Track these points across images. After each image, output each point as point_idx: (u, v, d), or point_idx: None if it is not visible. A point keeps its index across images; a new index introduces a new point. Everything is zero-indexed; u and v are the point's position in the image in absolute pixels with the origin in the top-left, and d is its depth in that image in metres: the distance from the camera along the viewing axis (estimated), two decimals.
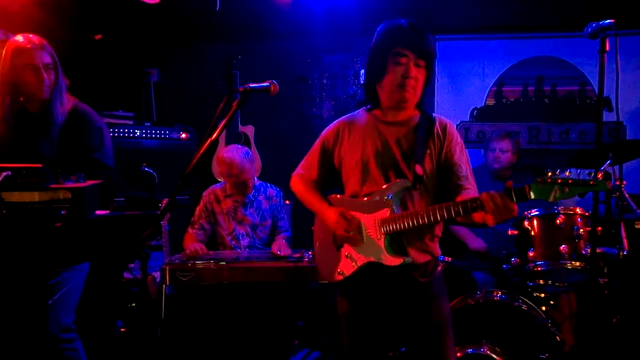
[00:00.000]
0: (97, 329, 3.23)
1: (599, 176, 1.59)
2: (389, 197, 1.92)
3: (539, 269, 2.86)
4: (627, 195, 2.93)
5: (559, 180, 1.62)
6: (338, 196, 2.10)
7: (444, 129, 2.02)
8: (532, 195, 1.65)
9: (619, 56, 2.20)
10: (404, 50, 1.90)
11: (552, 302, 3.08)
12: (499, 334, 2.74)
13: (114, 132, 3.97)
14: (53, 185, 2.09)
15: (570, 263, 2.78)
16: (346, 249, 2.02)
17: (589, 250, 2.72)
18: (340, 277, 2.03)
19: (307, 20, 4.34)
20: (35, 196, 2.07)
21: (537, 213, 2.91)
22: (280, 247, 3.23)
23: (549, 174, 1.64)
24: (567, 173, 1.63)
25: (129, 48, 4.65)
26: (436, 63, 4.40)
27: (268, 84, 1.94)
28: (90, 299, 2.63)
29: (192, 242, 3.29)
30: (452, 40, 4.53)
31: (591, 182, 1.60)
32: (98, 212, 2.28)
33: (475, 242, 3.53)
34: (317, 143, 2.17)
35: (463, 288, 3.14)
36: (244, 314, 3.03)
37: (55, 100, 2.42)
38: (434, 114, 2.06)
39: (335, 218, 1.99)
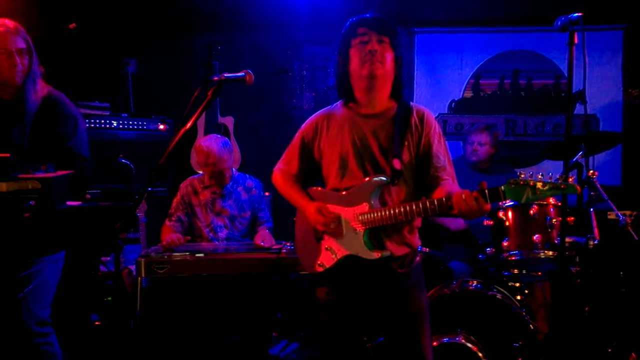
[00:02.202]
0: (72, 323, 3.19)
1: (570, 180, 1.64)
2: (368, 192, 1.94)
3: (513, 258, 2.90)
4: (598, 186, 2.99)
5: (531, 183, 1.67)
6: (319, 189, 2.11)
7: (422, 118, 2.03)
8: (505, 197, 1.69)
9: (590, 50, 2.24)
10: (364, 29, 1.95)
11: (526, 291, 3.12)
12: (475, 323, 2.78)
13: (90, 122, 3.91)
14: (21, 175, 2.06)
15: (543, 252, 2.83)
16: (326, 242, 2.04)
17: None
18: (320, 269, 2.05)
19: (287, 12, 4.33)
20: (2, 186, 2.04)
21: (511, 203, 2.95)
22: (264, 238, 3.22)
23: (522, 175, 1.69)
24: (539, 176, 1.68)
25: (106, 38, 4.57)
26: (415, 56, 4.54)
27: (243, 73, 1.93)
28: (64, 292, 2.60)
29: (169, 234, 3.25)
30: (430, 33, 4.57)
31: (562, 186, 1.65)
32: (70, 202, 2.25)
33: (456, 223, 3.57)
34: (297, 137, 2.17)
35: (440, 278, 3.17)
36: (222, 306, 3.02)
37: (28, 87, 2.37)
38: (411, 103, 2.07)
39: (314, 213, 2.00)
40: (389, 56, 1.95)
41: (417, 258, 2.08)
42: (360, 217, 1.94)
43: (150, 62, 4.73)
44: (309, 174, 2.18)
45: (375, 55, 1.92)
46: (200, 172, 3.57)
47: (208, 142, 3.32)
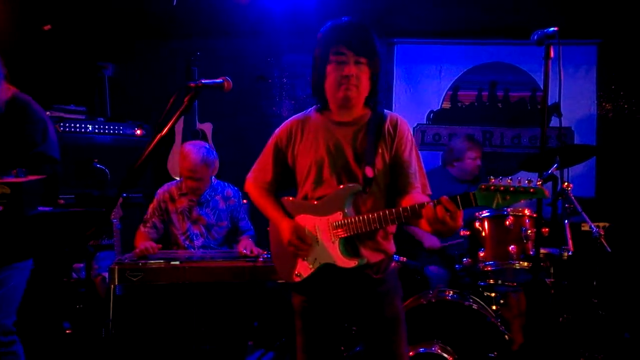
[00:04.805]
0: (43, 330, 3.12)
1: (538, 184, 1.65)
2: (341, 201, 1.93)
3: (489, 268, 2.93)
4: (573, 198, 3.03)
5: (501, 188, 1.66)
6: (291, 199, 2.09)
7: (395, 126, 2.03)
8: (477, 202, 1.69)
9: (565, 64, 2.28)
10: (342, 49, 1.90)
11: (502, 302, 3.16)
12: (450, 333, 2.79)
13: (65, 126, 3.83)
14: None
15: (519, 263, 2.87)
16: None
17: None
18: (297, 279, 2.03)
19: (267, 20, 4.33)
20: None
21: (487, 214, 2.98)
22: (246, 246, 3.17)
23: (492, 180, 1.68)
24: (509, 181, 1.67)
25: (83, 40, 4.51)
26: (394, 66, 4.58)
27: (221, 80, 1.91)
28: (35, 299, 2.54)
29: (144, 241, 3.20)
30: (410, 43, 4.61)
31: (531, 190, 1.65)
32: (41, 208, 2.20)
33: (430, 240, 3.59)
34: (270, 143, 2.14)
35: (417, 287, 3.18)
36: (197, 315, 2.97)
37: None
38: (385, 111, 2.07)
39: (288, 235, 1.98)
40: (365, 77, 1.94)
41: (392, 264, 2.08)
42: (334, 226, 1.93)
43: (128, 66, 4.67)
44: (283, 181, 2.15)
45: (351, 80, 1.91)
46: (178, 178, 3.52)
47: (195, 155, 3.26)
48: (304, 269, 2.01)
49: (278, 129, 2.14)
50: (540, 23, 2.35)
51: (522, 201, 1.68)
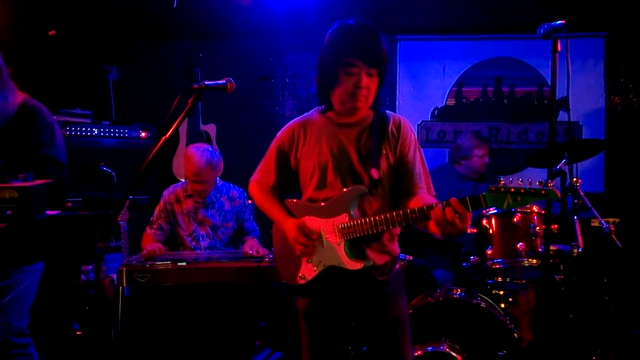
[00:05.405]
0: (53, 332, 3.15)
1: (550, 185, 1.63)
2: (347, 203, 1.91)
3: (497, 266, 2.90)
4: (582, 194, 3.00)
5: (512, 189, 1.65)
6: (294, 200, 2.08)
7: (398, 127, 2.01)
8: (487, 204, 1.67)
9: (572, 57, 2.24)
10: (354, 61, 1.85)
11: (510, 299, 3.13)
12: (459, 331, 2.77)
13: (71, 130, 3.86)
14: None
15: (527, 260, 2.84)
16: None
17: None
18: (302, 281, 2.02)
19: (269, 20, 4.34)
20: None
21: (495, 211, 2.95)
22: (252, 246, 3.18)
23: (502, 182, 1.67)
24: (519, 182, 1.66)
25: (87, 44, 4.54)
26: (397, 63, 4.55)
27: (224, 81, 1.91)
28: (44, 301, 2.55)
29: (150, 242, 3.21)
30: (413, 40, 4.59)
31: (542, 192, 1.63)
32: (49, 212, 2.21)
33: None
34: (273, 147, 2.12)
35: (424, 286, 3.16)
36: (204, 315, 2.98)
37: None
38: (387, 112, 2.05)
39: (294, 233, 1.96)
40: (375, 87, 1.92)
41: (397, 265, 2.07)
42: (340, 228, 1.92)
43: (132, 69, 4.70)
44: (286, 184, 2.14)
45: (362, 92, 1.88)
46: (182, 179, 3.53)
47: (199, 158, 3.26)
48: (308, 272, 2.00)
49: (280, 132, 2.12)
50: (545, 16, 2.32)
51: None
